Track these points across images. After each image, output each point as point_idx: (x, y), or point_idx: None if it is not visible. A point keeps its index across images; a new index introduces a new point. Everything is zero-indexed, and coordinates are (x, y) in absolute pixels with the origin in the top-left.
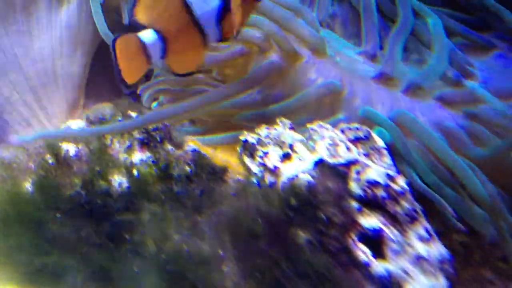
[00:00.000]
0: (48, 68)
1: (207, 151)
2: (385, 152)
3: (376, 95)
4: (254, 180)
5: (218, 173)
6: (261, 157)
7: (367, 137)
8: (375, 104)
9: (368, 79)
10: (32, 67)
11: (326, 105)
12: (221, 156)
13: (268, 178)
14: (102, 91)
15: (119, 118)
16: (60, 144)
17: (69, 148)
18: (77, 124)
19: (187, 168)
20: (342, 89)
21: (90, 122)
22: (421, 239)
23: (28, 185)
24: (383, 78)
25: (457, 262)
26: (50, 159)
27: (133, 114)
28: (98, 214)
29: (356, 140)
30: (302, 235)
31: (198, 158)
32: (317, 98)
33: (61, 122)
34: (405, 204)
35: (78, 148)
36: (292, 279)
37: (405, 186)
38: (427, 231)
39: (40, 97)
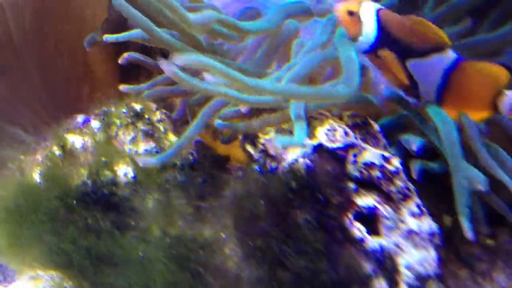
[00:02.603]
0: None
1: (209, 140)
2: (380, 135)
3: None
4: (256, 167)
5: (220, 161)
6: (262, 144)
7: (364, 123)
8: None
9: None
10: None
11: None
12: (223, 145)
13: (269, 164)
14: (106, 83)
15: (123, 110)
16: (66, 136)
17: (75, 139)
18: (82, 118)
19: (190, 157)
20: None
21: (95, 115)
22: (413, 214)
23: (36, 176)
24: None
25: (445, 239)
26: (56, 150)
27: (137, 106)
28: (104, 202)
29: (353, 126)
30: (301, 216)
31: (200, 148)
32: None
33: (65, 117)
34: (399, 183)
35: (84, 140)
36: (291, 256)
37: (399, 166)
38: (418, 207)
39: (40, 96)
